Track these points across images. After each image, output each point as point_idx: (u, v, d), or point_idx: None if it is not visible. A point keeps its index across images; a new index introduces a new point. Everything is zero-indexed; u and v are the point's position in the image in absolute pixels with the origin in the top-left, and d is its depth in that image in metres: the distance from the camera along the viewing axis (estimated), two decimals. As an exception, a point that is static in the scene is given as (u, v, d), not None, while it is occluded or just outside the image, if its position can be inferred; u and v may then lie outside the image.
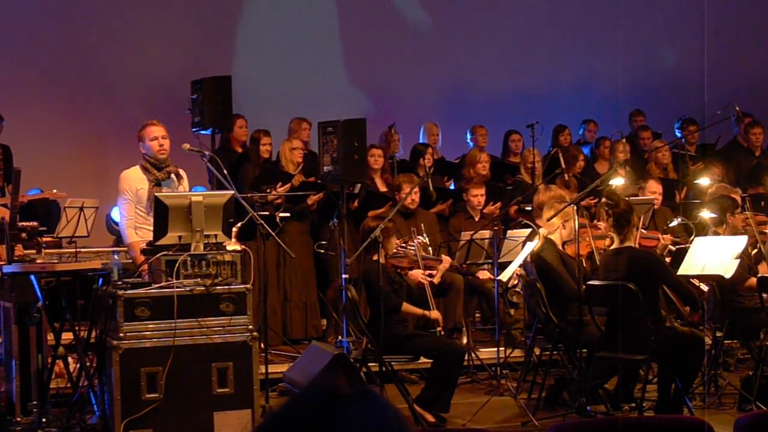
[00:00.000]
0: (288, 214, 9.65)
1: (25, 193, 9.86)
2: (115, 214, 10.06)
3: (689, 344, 7.51)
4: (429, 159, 11.05)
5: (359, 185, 9.81)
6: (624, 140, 12.03)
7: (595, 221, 8.99)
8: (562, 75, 14.87)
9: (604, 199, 7.94)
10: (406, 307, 7.93)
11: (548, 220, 8.20)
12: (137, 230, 7.75)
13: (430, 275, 8.20)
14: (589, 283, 7.75)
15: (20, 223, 7.90)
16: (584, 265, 8.16)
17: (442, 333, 8.27)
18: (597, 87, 14.66)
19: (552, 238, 8.22)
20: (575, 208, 7.89)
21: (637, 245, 8.12)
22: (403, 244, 8.32)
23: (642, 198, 10.34)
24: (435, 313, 8.02)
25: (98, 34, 12.74)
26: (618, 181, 9.31)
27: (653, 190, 10.55)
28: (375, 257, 7.79)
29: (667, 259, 8.68)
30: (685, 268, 8.00)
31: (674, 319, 8.35)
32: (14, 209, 7.88)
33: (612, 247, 7.85)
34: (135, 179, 7.80)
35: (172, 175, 7.85)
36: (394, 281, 8.00)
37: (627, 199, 8.11)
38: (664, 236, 9.23)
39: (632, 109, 13.89)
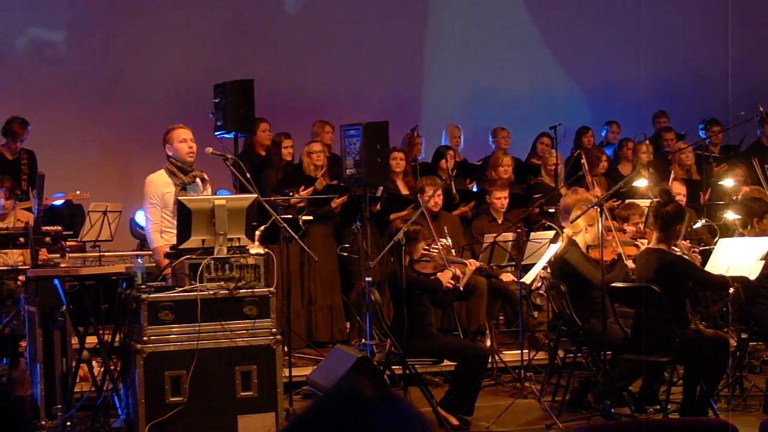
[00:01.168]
0: (311, 217, 9.65)
1: (48, 197, 9.91)
2: (140, 218, 10.09)
3: (714, 346, 7.47)
4: (451, 161, 11.03)
5: (381, 188, 9.80)
6: (647, 141, 11.98)
7: (624, 224, 8.90)
8: (585, 77, 14.83)
9: (656, 199, 7.87)
10: (443, 279, 8.00)
11: (572, 221, 8.17)
12: (163, 234, 7.68)
13: (455, 277, 8.17)
14: (614, 284, 7.71)
15: (44, 228, 7.93)
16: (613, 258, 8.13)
17: (461, 289, 8.26)
18: (620, 88, 14.61)
19: (576, 240, 8.18)
20: (599, 210, 7.83)
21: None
22: (427, 246, 8.31)
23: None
24: (458, 272, 8.17)
25: (121, 39, 12.78)
26: (641, 183, 9.24)
27: (677, 192, 10.45)
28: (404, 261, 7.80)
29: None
30: (710, 270, 7.94)
31: (699, 321, 8.30)
32: (39, 213, 7.93)
33: (649, 245, 7.79)
34: (161, 183, 7.74)
35: (197, 179, 7.79)
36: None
37: (679, 206, 7.95)
38: (683, 242, 9.13)
39: (656, 111, 13.84)
